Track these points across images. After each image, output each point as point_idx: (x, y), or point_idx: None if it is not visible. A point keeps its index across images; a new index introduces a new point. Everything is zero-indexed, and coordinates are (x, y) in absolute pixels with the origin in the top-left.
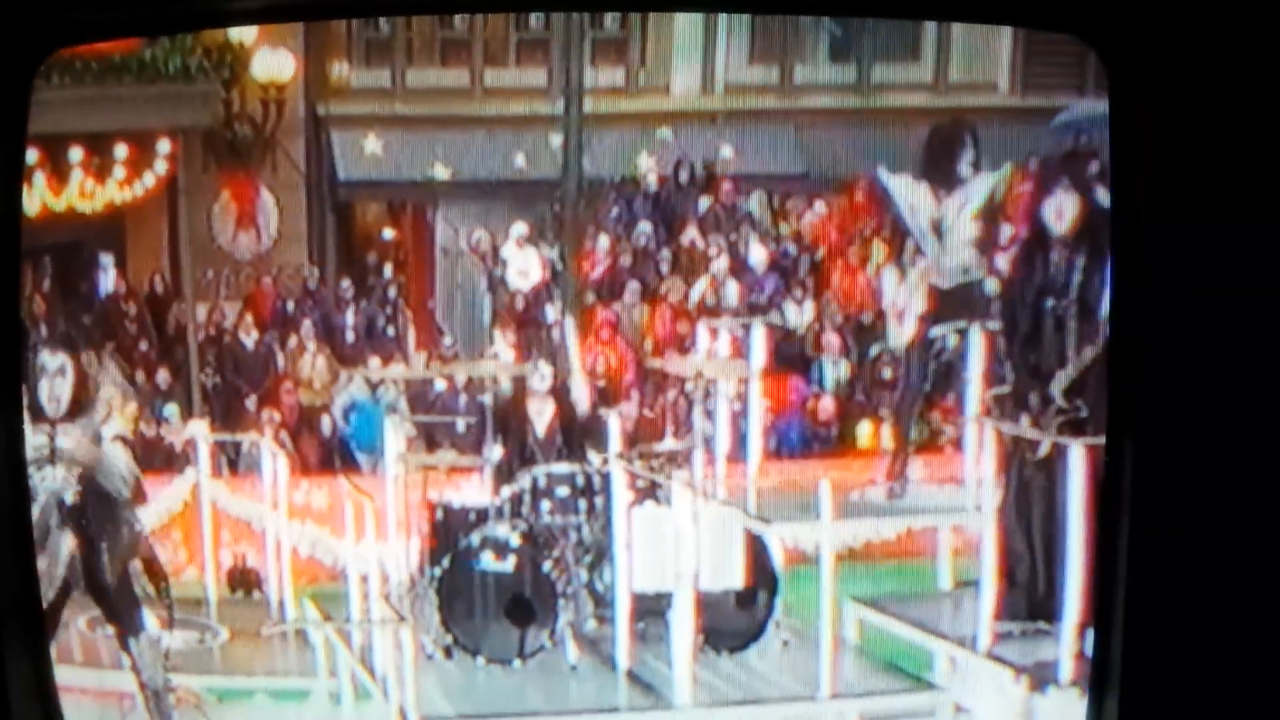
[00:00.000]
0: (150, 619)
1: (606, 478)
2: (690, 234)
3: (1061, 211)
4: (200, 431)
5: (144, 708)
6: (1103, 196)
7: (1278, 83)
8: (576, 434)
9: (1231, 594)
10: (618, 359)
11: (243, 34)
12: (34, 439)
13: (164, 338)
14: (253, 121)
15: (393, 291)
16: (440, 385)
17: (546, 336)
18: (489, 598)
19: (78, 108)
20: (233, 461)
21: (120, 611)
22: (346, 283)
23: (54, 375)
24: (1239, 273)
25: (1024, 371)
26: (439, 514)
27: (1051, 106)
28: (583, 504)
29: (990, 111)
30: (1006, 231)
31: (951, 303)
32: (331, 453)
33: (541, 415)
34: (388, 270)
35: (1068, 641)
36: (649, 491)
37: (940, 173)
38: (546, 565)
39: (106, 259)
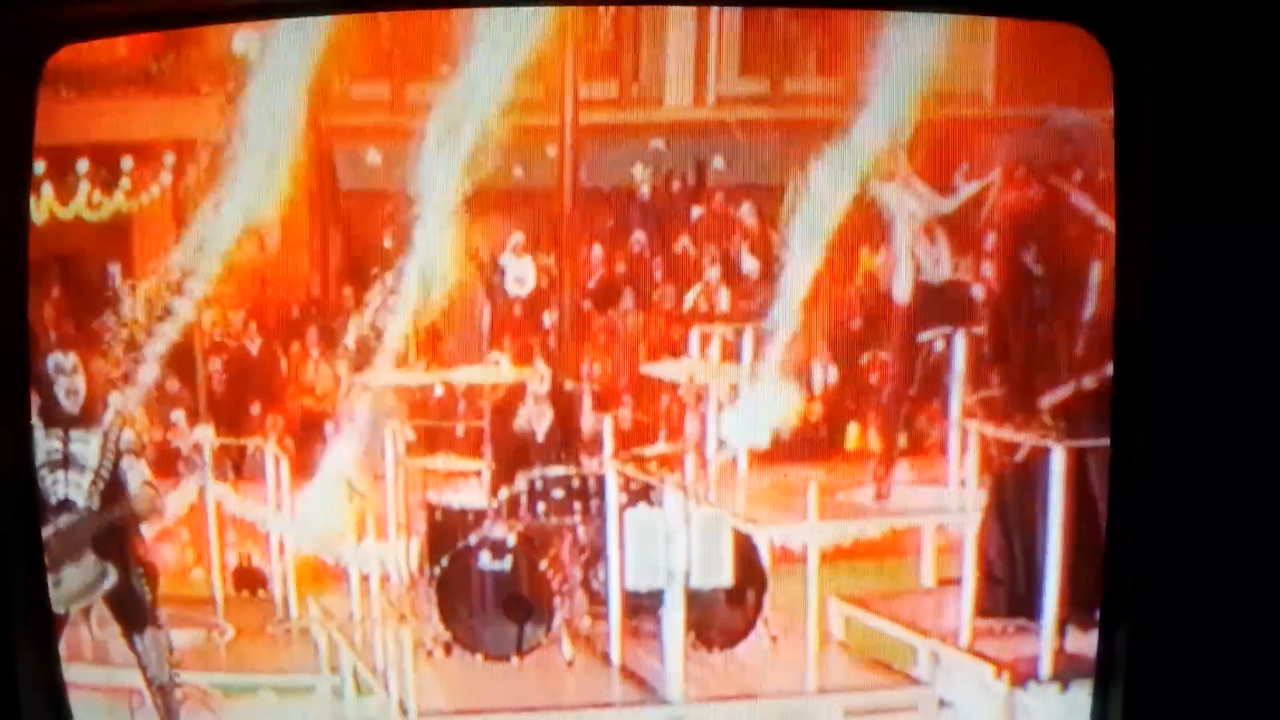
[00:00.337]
0: (152, 617)
1: (601, 480)
2: (683, 242)
3: (1047, 219)
4: (206, 436)
5: (152, 704)
6: (1087, 203)
7: None
8: (573, 438)
9: (1237, 591)
10: (613, 364)
11: (247, 47)
12: (47, 444)
13: (171, 345)
14: (256, 133)
15: (393, 299)
16: (440, 391)
17: (544, 343)
18: (487, 596)
19: (85, 120)
20: (237, 465)
21: (124, 610)
22: (348, 290)
23: (66, 379)
24: (1245, 270)
25: (1009, 376)
26: (438, 515)
27: (1038, 115)
28: (578, 505)
29: (978, 120)
30: (994, 239)
31: (939, 308)
32: (334, 457)
33: (539, 420)
34: (389, 278)
35: (1048, 637)
36: (642, 493)
37: (930, 181)
38: (543, 564)
39: (114, 268)
